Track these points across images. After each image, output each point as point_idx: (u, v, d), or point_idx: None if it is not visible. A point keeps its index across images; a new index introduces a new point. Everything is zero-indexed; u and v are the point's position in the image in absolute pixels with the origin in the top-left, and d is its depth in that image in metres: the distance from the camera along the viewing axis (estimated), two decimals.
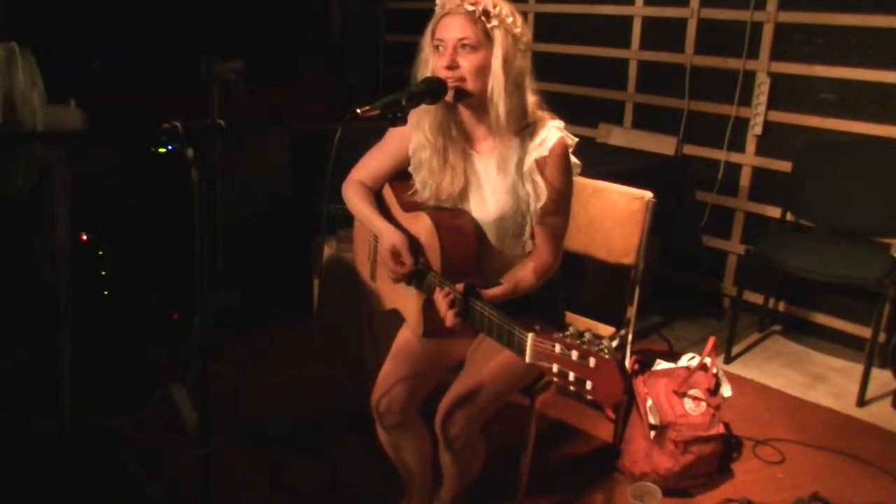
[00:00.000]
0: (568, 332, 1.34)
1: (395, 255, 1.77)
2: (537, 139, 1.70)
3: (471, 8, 1.62)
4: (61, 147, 2.24)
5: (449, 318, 1.62)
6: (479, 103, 1.69)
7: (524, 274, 1.74)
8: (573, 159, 1.78)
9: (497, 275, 1.78)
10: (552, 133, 1.70)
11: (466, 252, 1.76)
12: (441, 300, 1.63)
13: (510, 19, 1.65)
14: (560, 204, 1.74)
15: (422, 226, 1.78)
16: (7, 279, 2.33)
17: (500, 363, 1.78)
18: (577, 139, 1.77)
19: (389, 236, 1.79)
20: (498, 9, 1.64)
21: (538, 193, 1.70)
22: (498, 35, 1.63)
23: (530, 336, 1.42)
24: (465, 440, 1.78)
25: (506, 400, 1.85)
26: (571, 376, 1.31)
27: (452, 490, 1.94)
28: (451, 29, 1.63)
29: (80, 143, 2.61)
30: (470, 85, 1.65)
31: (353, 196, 1.93)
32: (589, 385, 1.28)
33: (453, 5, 1.64)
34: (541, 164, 1.69)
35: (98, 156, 3.19)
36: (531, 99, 1.73)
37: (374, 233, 1.88)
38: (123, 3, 3.51)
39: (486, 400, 1.76)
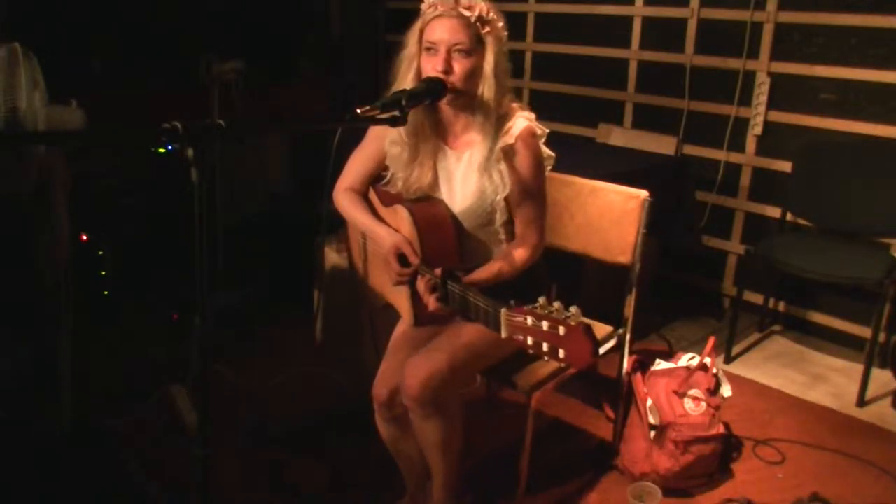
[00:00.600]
0: (538, 304, 1.36)
1: (400, 256, 1.77)
2: (504, 128, 1.74)
3: (466, 13, 1.64)
4: (62, 147, 2.24)
5: (430, 302, 1.65)
6: (463, 103, 1.73)
7: (503, 261, 1.77)
8: (546, 151, 1.81)
9: (476, 260, 1.81)
10: (519, 122, 1.74)
11: (444, 239, 1.79)
12: (422, 286, 1.67)
13: (500, 24, 1.69)
14: (529, 192, 1.77)
15: (400, 218, 1.82)
16: (7, 279, 2.33)
17: (473, 331, 1.80)
18: (547, 130, 1.81)
19: (390, 238, 1.80)
20: (490, 14, 1.67)
21: (504, 181, 1.74)
22: (489, 41, 1.67)
23: (503, 311, 1.43)
24: (433, 406, 1.74)
25: (478, 370, 1.87)
26: (545, 347, 1.33)
27: (440, 481, 1.91)
28: (443, 32, 1.65)
29: (80, 143, 2.61)
30: (461, 87, 1.68)
31: (347, 205, 1.97)
32: (562, 353, 1.31)
33: (446, 8, 1.65)
34: (507, 151, 1.73)
35: (98, 156, 3.19)
36: (510, 93, 1.78)
37: (374, 238, 1.90)
38: (123, 3, 3.52)
39: (452, 362, 1.75)
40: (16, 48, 2.01)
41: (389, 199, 1.90)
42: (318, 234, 3.00)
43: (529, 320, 1.36)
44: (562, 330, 1.30)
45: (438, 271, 1.65)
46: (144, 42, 3.55)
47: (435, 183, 1.83)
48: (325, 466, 2.29)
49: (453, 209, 1.81)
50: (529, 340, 1.36)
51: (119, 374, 2.72)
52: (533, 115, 1.78)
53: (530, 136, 1.75)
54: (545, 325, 1.32)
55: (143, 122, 1.21)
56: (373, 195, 1.99)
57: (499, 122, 1.75)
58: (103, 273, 3.05)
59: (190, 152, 1.17)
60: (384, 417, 1.88)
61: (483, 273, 1.73)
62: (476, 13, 1.64)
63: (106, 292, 3.07)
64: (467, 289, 1.59)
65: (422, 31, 1.69)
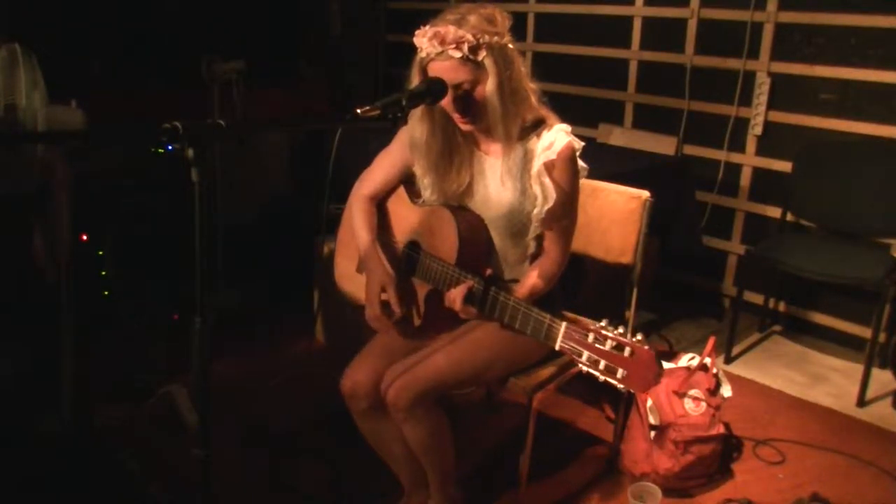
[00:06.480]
0: (602, 324, 1.41)
1: (383, 296, 1.81)
2: (545, 141, 1.72)
3: (457, 54, 1.58)
4: (62, 147, 2.24)
5: (458, 302, 1.65)
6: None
7: (534, 281, 1.77)
8: (580, 163, 1.79)
9: (497, 273, 1.80)
10: (560, 137, 1.72)
11: (479, 248, 1.79)
12: (460, 289, 1.66)
13: (495, 38, 1.61)
14: (568, 206, 1.76)
15: (440, 220, 1.80)
16: (7, 279, 2.33)
17: (459, 349, 1.80)
18: (583, 143, 1.79)
19: (380, 274, 1.82)
20: (480, 36, 1.58)
21: (546, 195, 1.72)
22: (488, 63, 1.61)
23: (563, 325, 1.48)
24: (406, 410, 1.74)
25: (459, 388, 1.86)
26: (602, 364, 1.38)
27: (434, 482, 1.92)
28: (443, 72, 1.62)
29: (80, 143, 2.60)
30: (481, 115, 1.68)
31: (357, 217, 1.95)
32: (621, 373, 1.36)
33: (434, 52, 1.60)
34: (549, 167, 1.71)
35: (98, 156, 3.19)
36: (531, 96, 1.74)
37: (366, 262, 1.90)
38: (124, 3, 3.51)
39: (431, 373, 1.75)
40: (16, 48, 2.01)
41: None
42: (318, 235, 3.01)
43: (591, 336, 1.41)
44: (628, 351, 1.36)
45: (487, 273, 1.66)
46: (144, 42, 3.55)
47: (469, 188, 1.80)
48: (325, 466, 2.29)
49: (489, 215, 1.79)
50: (584, 356, 1.41)
51: (119, 374, 2.72)
52: (569, 128, 1.76)
53: (571, 152, 1.73)
54: (609, 343, 1.38)
55: (143, 122, 1.21)
56: (402, 193, 1.96)
57: (534, 129, 1.74)
58: (103, 273, 3.05)
59: (190, 152, 1.17)
60: (353, 412, 1.88)
61: (522, 290, 1.74)
62: (466, 48, 1.57)
63: (106, 292, 3.07)
64: (516, 297, 1.62)
65: (425, 70, 1.65)
